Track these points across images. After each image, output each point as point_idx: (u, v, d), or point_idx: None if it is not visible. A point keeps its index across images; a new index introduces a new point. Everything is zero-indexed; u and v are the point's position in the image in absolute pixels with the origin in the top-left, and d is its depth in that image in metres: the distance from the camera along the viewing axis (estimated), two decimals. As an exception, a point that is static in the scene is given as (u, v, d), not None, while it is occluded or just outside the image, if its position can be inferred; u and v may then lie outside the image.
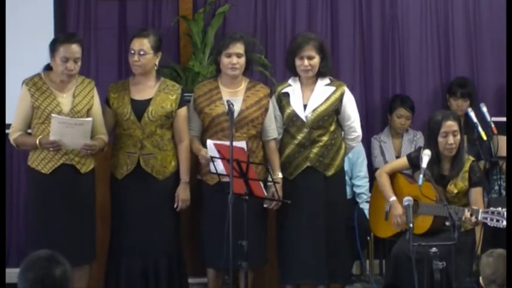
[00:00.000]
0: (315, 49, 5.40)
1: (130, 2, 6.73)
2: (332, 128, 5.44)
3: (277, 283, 5.55)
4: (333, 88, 5.45)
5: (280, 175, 5.36)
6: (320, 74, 5.45)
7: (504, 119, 5.81)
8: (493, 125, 5.84)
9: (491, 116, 5.94)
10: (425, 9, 6.89)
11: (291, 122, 5.42)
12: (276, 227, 5.51)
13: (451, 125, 5.32)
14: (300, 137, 5.41)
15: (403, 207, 5.08)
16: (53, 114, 5.04)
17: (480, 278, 3.76)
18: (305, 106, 5.41)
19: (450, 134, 5.31)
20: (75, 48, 5.13)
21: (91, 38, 6.65)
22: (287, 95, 5.45)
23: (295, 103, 5.42)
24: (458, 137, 5.32)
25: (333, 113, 5.43)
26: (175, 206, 5.33)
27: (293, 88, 5.46)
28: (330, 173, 5.43)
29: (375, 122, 6.88)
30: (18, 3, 6.32)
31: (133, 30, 5.64)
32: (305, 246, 5.36)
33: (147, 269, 5.31)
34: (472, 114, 5.95)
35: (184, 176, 5.35)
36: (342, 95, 5.45)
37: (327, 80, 5.48)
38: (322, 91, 5.44)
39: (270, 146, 5.44)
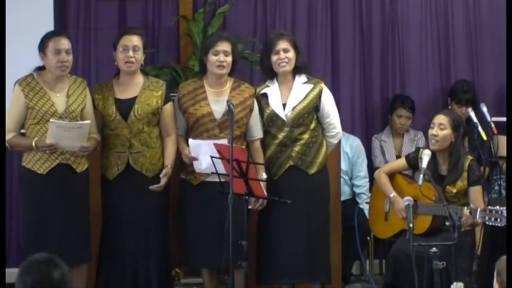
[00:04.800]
0: (289, 42, 5.40)
1: (130, 2, 6.73)
2: (312, 125, 5.42)
3: (256, 283, 5.47)
4: (310, 86, 5.43)
5: (264, 175, 5.30)
6: (297, 70, 5.43)
7: (504, 119, 5.80)
8: (493, 125, 5.83)
9: (491, 116, 5.93)
10: (425, 9, 6.89)
11: (271, 122, 5.40)
12: (257, 225, 5.46)
13: (439, 117, 5.36)
14: (281, 136, 5.38)
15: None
16: (51, 119, 5.03)
17: (495, 280, 3.61)
18: (284, 105, 5.40)
19: (436, 126, 5.33)
20: (65, 41, 5.16)
21: (91, 38, 6.66)
22: (265, 95, 5.43)
23: (274, 103, 5.40)
24: (446, 131, 5.31)
25: (313, 111, 5.41)
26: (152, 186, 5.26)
27: (271, 89, 5.44)
28: (313, 170, 5.40)
29: (374, 122, 6.88)
30: (18, 3, 6.32)
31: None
32: (286, 246, 5.33)
33: (137, 268, 5.30)
34: (472, 114, 5.95)
35: (169, 163, 5.28)
36: (320, 92, 5.43)
37: (304, 78, 5.46)
38: (301, 89, 5.42)
39: (254, 146, 5.41)
